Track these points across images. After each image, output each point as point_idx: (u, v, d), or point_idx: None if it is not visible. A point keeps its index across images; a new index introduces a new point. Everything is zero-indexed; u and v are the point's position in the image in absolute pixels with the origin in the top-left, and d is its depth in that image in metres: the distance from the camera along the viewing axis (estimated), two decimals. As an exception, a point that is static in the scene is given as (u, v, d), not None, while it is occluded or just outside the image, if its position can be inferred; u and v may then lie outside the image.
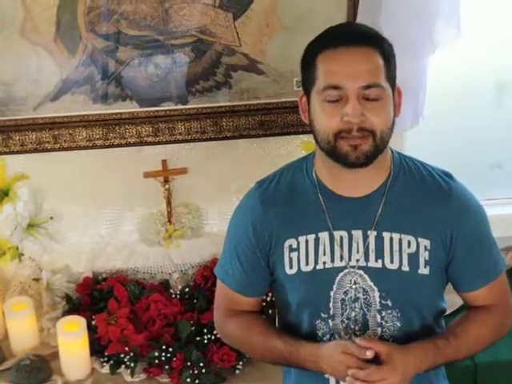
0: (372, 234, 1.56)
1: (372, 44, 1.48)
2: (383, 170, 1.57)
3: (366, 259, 1.57)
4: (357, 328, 1.61)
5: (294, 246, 1.61)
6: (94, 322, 2.08)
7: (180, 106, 2.12)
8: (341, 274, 1.59)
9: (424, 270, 1.56)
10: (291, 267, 1.61)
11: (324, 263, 1.59)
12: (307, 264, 1.61)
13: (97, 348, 2.05)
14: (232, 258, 1.66)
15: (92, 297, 2.19)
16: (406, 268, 1.56)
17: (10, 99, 2.06)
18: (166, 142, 2.14)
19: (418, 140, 2.15)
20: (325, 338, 1.64)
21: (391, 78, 1.51)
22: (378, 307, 1.59)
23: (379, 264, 1.57)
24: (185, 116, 2.12)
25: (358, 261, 1.57)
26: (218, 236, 2.20)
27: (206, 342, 2.03)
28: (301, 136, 2.17)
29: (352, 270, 1.57)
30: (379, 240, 1.56)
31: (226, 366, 1.98)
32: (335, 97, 1.45)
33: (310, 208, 1.59)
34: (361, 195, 1.56)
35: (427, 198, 1.57)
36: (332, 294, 1.60)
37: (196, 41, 2.05)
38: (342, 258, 1.58)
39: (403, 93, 1.94)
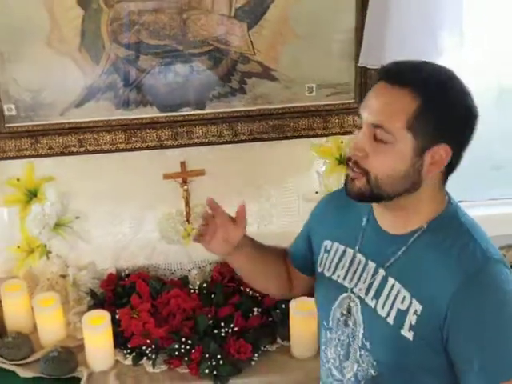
0: (381, 273, 1.46)
1: (410, 88, 1.32)
2: (421, 217, 1.42)
3: (366, 293, 1.48)
4: (342, 353, 1.54)
5: (328, 247, 1.59)
6: (117, 316, 2.09)
7: (198, 111, 2.12)
8: (344, 295, 1.53)
9: (407, 333, 1.40)
10: (320, 266, 1.60)
11: (338, 276, 1.55)
12: (329, 269, 1.58)
13: (120, 341, 2.06)
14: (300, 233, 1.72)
15: (115, 292, 2.20)
16: (390, 321, 1.43)
17: (38, 105, 2.07)
18: (185, 145, 2.14)
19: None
20: (323, 347, 1.61)
21: (419, 130, 1.33)
22: (360, 344, 1.49)
23: (373, 304, 1.46)
24: (202, 120, 2.12)
25: (360, 290, 1.49)
26: None
27: (223, 334, 2.03)
28: (311, 139, 2.16)
29: (352, 295, 1.51)
30: (383, 281, 1.46)
31: (242, 358, 1.98)
32: (360, 124, 1.39)
33: (355, 224, 1.53)
34: (394, 232, 1.46)
35: (444, 265, 1.37)
36: (333, 308, 1.56)
37: (212, 50, 2.05)
38: (351, 281, 1.52)
39: None
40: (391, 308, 1.43)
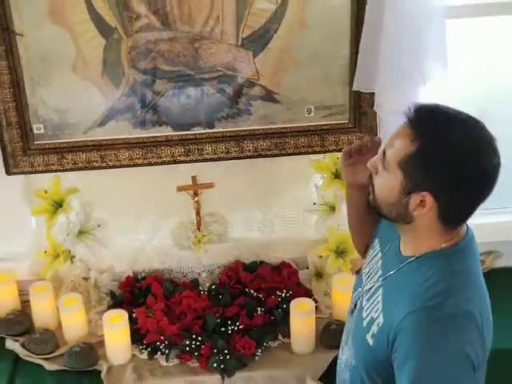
0: (379, 282, 1.48)
1: (414, 132, 1.31)
2: (416, 247, 1.41)
3: (366, 294, 1.51)
4: (344, 337, 1.59)
5: (374, 245, 1.61)
6: (134, 315, 2.12)
7: (208, 130, 2.12)
8: (360, 289, 1.56)
9: (370, 340, 1.43)
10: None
11: (364, 271, 1.58)
12: (364, 263, 1.62)
13: (136, 337, 2.09)
14: None
15: (133, 293, 2.22)
16: (364, 324, 1.46)
17: (64, 125, 2.07)
18: (196, 161, 2.14)
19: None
20: (343, 335, 1.63)
21: (409, 172, 1.32)
22: (351, 334, 1.54)
23: (363, 304, 1.50)
24: (212, 138, 2.12)
25: (366, 289, 1.52)
26: (240, 241, 2.30)
27: (229, 332, 2.07)
28: (310, 156, 2.16)
29: (362, 292, 1.54)
30: (376, 290, 1.48)
31: (246, 353, 2.02)
32: None
33: (392, 234, 1.50)
34: (401, 252, 1.45)
35: (410, 293, 1.35)
36: (352, 296, 1.61)
37: (221, 75, 2.04)
38: (367, 279, 1.55)
39: (399, 117, 1.88)
40: (369, 314, 1.47)
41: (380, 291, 1.47)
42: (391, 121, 1.98)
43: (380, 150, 1.41)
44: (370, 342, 1.42)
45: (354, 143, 1.72)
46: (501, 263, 2.23)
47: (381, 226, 1.63)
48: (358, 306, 1.54)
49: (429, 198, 1.32)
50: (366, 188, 1.51)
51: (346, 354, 1.56)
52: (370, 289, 1.51)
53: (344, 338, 1.61)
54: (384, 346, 1.38)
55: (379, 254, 1.57)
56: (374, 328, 1.42)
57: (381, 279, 1.49)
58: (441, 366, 1.28)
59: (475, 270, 1.41)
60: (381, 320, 1.41)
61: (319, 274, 2.27)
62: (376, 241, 1.62)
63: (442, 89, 1.95)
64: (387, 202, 1.39)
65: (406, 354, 1.32)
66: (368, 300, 1.50)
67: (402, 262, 1.43)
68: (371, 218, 1.66)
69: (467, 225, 1.44)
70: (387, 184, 1.38)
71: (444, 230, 1.37)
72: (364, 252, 1.75)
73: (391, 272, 1.45)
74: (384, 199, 1.40)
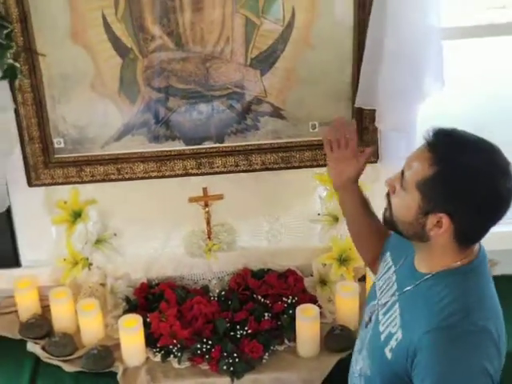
0: (395, 297, 1.49)
1: (433, 156, 1.33)
2: (432, 264, 1.42)
3: (381, 308, 1.52)
4: (359, 347, 1.59)
5: (385, 258, 1.62)
6: (148, 320, 2.13)
7: (218, 145, 2.14)
8: (374, 302, 1.57)
9: (388, 354, 1.43)
10: (378, 269, 1.65)
11: (378, 284, 1.59)
12: (377, 275, 1.63)
13: (150, 340, 2.10)
14: None
15: (147, 299, 2.24)
16: (382, 338, 1.47)
17: (83, 139, 2.10)
18: (207, 174, 2.16)
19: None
20: (357, 337, 1.64)
21: (427, 194, 1.33)
22: (366, 346, 1.55)
23: (380, 318, 1.51)
24: (222, 152, 2.15)
25: (381, 303, 1.53)
26: (248, 249, 2.32)
27: (238, 336, 2.09)
28: (314, 169, 2.17)
29: (377, 305, 1.55)
30: (392, 304, 1.48)
31: (254, 357, 2.03)
32: None
33: (406, 249, 1.51)
34: (416, 268, 1.47)
35: (429, 310, 1.37)
36: (366, 309, 1.61)
37: (231, 93, 2.07)
38: (381, 293, 1.55)
39: (398, 133, 1.93)
40: (386, 328, 1.47)
41: (396, 306, 1.47)
42: (391, 135, 2.08)
43: (399, 172, 1.42)
44: (389, 355, 1.43)
45: (328, 128, 1.82)
46: (497, 271, 2.23)
47: (391, 240, 1.65)
48: (373, 319, 1.54)
49: (445, 220, 1.34)
50: (353, 186, 1.63)
51: (360, 364, 1.57)
52: (386, 303, 1.51)
53: (358, 348, 1.61)
54: (403, 360, 1.39)
55: (392, 268, 1.57)
56: (393, 343, 1.42)
57: (396, 294, 1.49)
58: (462, 383, 1.30)
59: (489, 286, 1.42)
60: (399, 335, 1.41)
61: (323, 281, 2.28)
62: (387, 254, 1.63)
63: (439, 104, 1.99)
64: (404, 221, 1.41)
65: (426, 372, 1.33)
66: (384, 314, 1.50)
67: (417, 279, 1.44)
68: (369, 225, 1.71)
69: (480, 243, 1.45)
70: (405, 204, 1.39)
71: (459, 249, 1.39)
72: (372, 263, 1.76)
73: (408, 288, 1.46)
74: (401, 218, 1.42)
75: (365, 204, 1.77)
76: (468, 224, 1.35)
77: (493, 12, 2.13)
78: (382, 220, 1.50)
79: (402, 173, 1.40)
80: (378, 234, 1.73)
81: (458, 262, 1.40)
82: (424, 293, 1.42)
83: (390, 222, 1.46)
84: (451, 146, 1.34)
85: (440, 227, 1.35)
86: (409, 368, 1.38)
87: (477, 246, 1.44)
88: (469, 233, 1.37)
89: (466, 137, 1.35)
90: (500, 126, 2.14)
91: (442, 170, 1.32)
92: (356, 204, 1.75)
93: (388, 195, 1.45)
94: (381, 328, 1.49)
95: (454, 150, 1.33)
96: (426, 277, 1.43)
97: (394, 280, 1.54)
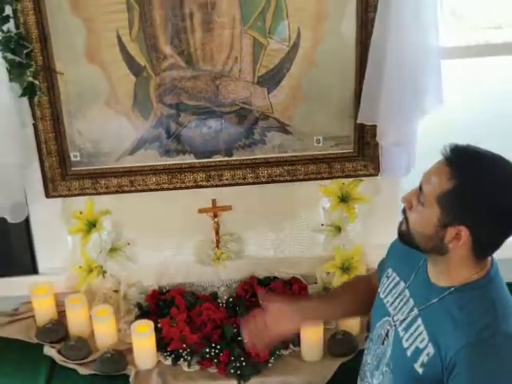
0: (415, 312, 1.49)
1: (452, 170, 1.34)
2: (452, 278, 1.43)
3: (400, 324, 1.51)
4: (375, 363, 1.58)
5: (389, 274, 1.63)
6: (159, 325, 2.15)
7: (226, 158, 2.17)
8: (386, 318, 1.56)
9: (418, 368, 1.43)
10: (380, 286, 1.64)
11: (387, 301, 1.58)
12: (384, 292, 1.62)
13: (161, 345, 2.12)
14: None
15: (158, 305, 2.26)
16: (408, 353, 1.46)
17: (98, 153, 2.14)
18: (216, 186, 2.18)
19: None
20: (366, 352, 1.65)
21: (446, 207, 1.34)
22: (386, 361, 1.53)
23: (401, 334, 1.49)
24: (230, 166, 2.18)
25: (397, 319, 1.52)
26: (255, 258, 2.35)
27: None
28: (319, 181, 2.20)
29: (391, 321, 1.54)
30: (414, 320, 1.48)
31: (260, 361, 2.06)
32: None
33: (414, 264, 1.53)
34: (434, 282, 1.48)
35: (461, 324, 1.38)
36: (377, 325, 1.60)
37: (239, 109, 2.11)
38: (394, 309, 1.55)
39: (399, 147, 1.96)
40: (412, 344, 1.46)
41: (419, 321, 1.47)
42: (392, 150, 2.12)
43: (416, 188, 1.42)
44: (420, 370, 1.42)
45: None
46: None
47: (390, 256, 1.67)
48: (390, 335, 1.54)
49: (465, 232, 1.35)
50: (309, 316, 1.64)
51: (378, 379, 1.57)
52: (405, 319, 1.50)
53: (373, 363, 1.60)
54: (436, 375, 1.39)
55: (402, 284, 1.57)
56: (424, 358, 1.42)
57: (416, 309, 1.48)
58: None
59: (507, 293, 1.45)
60: (430, 350, 1.41)
61: (327, 289, 2.30)
62: (389, 270, 1.63)
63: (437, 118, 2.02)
64: (423, 235, 1.41)
65: (475, 376, 1.34)
66: (406, 330, 1.49)
67: (438, 293, 1.45)
68: (350, 307, 1.74)
69: None
70: (424, 217, 1.39)
71: (476, 261, 1.41)
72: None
73: (430, 302, 1.45)
74: (420, 232, 1.42)
75: (331, 306, 1.76)
76: (485, 236, 1.37)
77: (490, 32, 2.19)
78: (397, 234, 1.49)
79: (420, 188, 1.40)
80: (363, 302, 1.74)
81: (476, 275, 1.42)
82: (449, 307, 1.42)
83: (406, 236, 1.46)
84: (469, 160, 1.36)
85: (459, 239, 1.36)
86: (443, 381, 1.39)
87: (489, 257, 1.47)
88: (486, 244, 1.39)
89: (482, 152, 1.38)
90: (496, 141, 2.07)
91: (462, 183, 1.33)
92: (327, 314, 1.78)
93: (404, 211, 1.46)
94: (405, 344, 1.48)
95: (471, 164, 1.35)
96: (448, 291, 1.43)
97: (408, 295, 1.54)
